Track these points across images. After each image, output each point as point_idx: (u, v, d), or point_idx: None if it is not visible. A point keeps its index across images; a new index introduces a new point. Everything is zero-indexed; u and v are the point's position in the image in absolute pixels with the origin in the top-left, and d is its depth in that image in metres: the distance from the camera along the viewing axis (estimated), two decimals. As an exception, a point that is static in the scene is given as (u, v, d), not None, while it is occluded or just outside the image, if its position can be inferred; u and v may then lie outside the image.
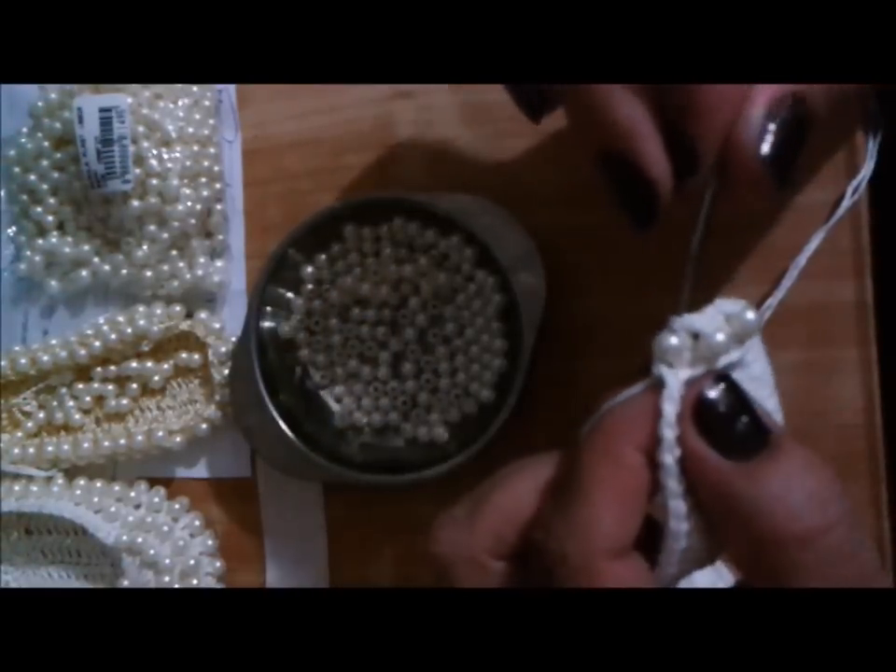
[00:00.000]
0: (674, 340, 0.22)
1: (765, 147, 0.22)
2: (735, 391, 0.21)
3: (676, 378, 0.21)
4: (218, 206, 0.40)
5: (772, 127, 0.23)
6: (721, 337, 0.22)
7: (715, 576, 0.29)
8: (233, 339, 0.39)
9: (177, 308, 0.40)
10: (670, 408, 0.21)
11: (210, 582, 0.39)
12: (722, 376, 0.21)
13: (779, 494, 0.20)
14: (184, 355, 0.40)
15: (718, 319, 0.22)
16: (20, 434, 0.42)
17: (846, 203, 0.31)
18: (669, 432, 0.21)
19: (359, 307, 0.38)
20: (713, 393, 0.21)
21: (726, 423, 0.21)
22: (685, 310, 0.23)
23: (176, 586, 0.38)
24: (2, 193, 0.43)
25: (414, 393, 0.37)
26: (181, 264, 0.40)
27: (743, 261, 0.33)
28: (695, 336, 0.22)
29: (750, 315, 0.22)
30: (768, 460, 0.20)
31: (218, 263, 0.41)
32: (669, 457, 0.21)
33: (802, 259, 0.32)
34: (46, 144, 0.41)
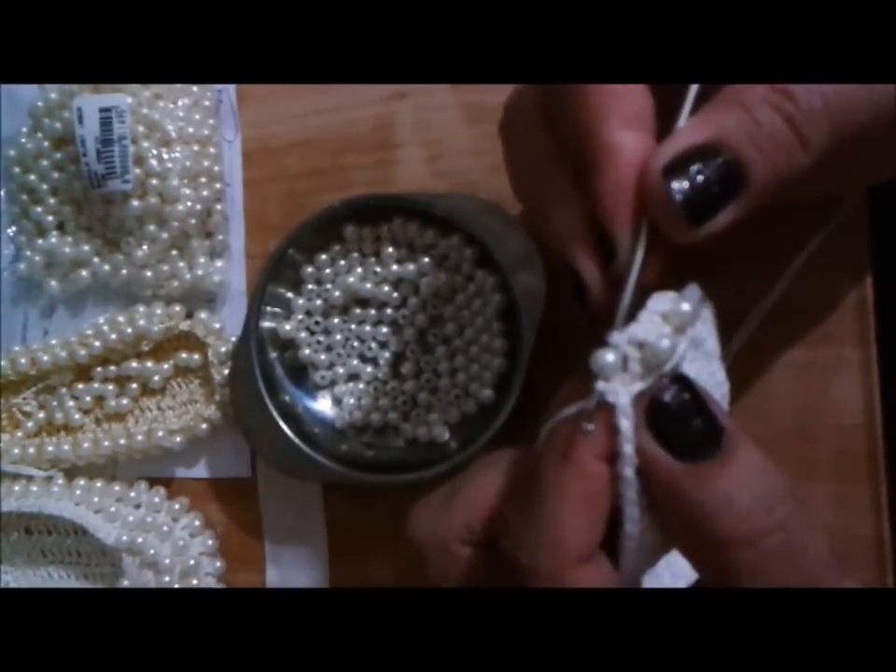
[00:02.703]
0: (610, 357, 0.22)
1: (674, 189, 0.22)
2: (688, 390, 0.22)
3: (627, 396, 0.22)
4: (218, 206, 0.40)
5: (683, 175, 0.23)
6: (665, 343, 0.22)
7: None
8: (233, 339, 0.39)
9: (177, 308, 0.40)
10: (626, 424, 0.21)
11: (210, 582, 0.39)
12: (676, 377, 0.22)
13: (727, 496, 0.20)
14: (184, 355, 0.40)
15: (656, 322, 0.22)
16: (20, 434, 0.42)
17: (846, 204, 0.31)
18: (628, 447, 0.21)
19: (359, 307, 0.38)
20: (667, 396, 0.21)
21: (679, 425, 0.21)
22: (621, 325, 0.23)
23: (176, 586, 0.38)
24: (2, 193, 0.43)
25: (414, 393, 0.37)
26: (181, 264, 0.40)
27: (743, 262, 0.33)
28: (640, 345, 0.22)
29: (685, 306, 0.22)
30: (719, 463, 0.21)
31: (218, 263, 0.41)
32: (629, 470, 0.21)
33: (801, 260, 0.32)
34: (46, 144, 0.41)
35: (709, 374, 0.24)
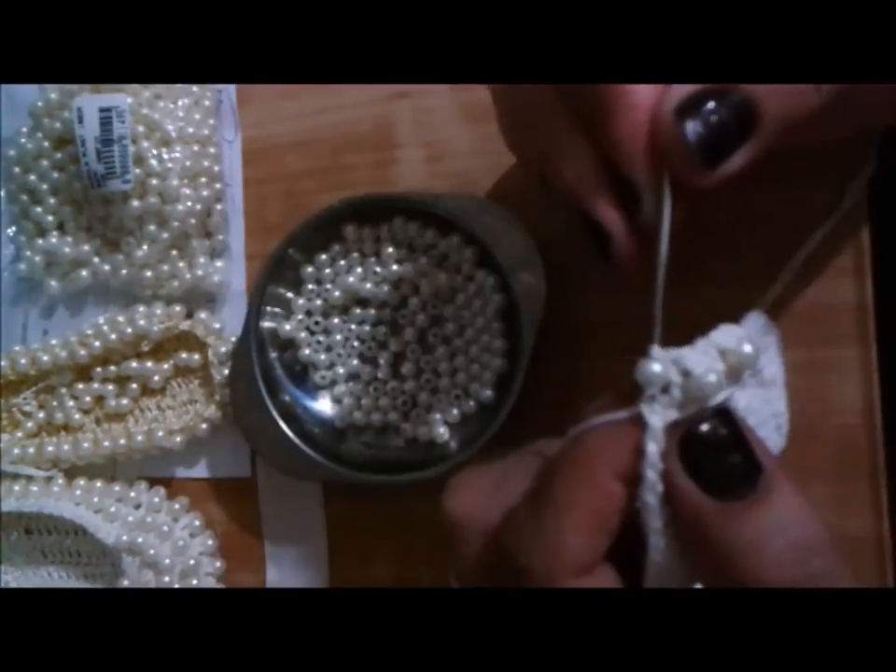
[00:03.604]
0: (656, 367, 0.21)
1: (688, 130, 0.22)
2: (728, 425, 0.21)
3: (660, 420, 0.21)
4: (218, 206, 0.40)
5: (696, 115, 0.22)
6: (712, 378, 0.21)
7: None
8: (233, 339, 0.39)
9: (177, 308, 0.40)
10: (653, 448, 0.21)
11: (210, 582, 0.39)
12: (718, 410, 0.21)
13: (757, 540, 0.20)
14: (184, 355, 0.40)
15: (711, 354, 0.21)
16: (20, 434, 0.42)
17: (846, 204, 0.31)
18: (652, 473, 0.21)
19: (359, 307, 0.38)
20: (704, 427, 0.21)
21: (714, 459, 0.20)
22: (659, 332, 0.22)
23: (176, 586, 0.38)
24: (2, 193, 0.43)
25: (414, 393, 0.37)
26: (181, 264, 0.40)
27: (743, 261, 0.33)
28: (686, 373, 0.21)
29: (748, 348, 0.21)
30: (753, 504, 0.20)
31: (218, 263, 0.41)
32: (652, 497, 0.21)
33: (800, 259, 0.32)
34: (46, 144, 0.41)
35: (765, 403, 0.23)
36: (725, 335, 0.22)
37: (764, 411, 0.23)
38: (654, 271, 0.23)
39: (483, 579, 0.25)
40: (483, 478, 0.25)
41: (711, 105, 0.22)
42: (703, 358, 0.21)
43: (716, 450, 0.20)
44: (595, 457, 0.22)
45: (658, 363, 0.21)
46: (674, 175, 0.23)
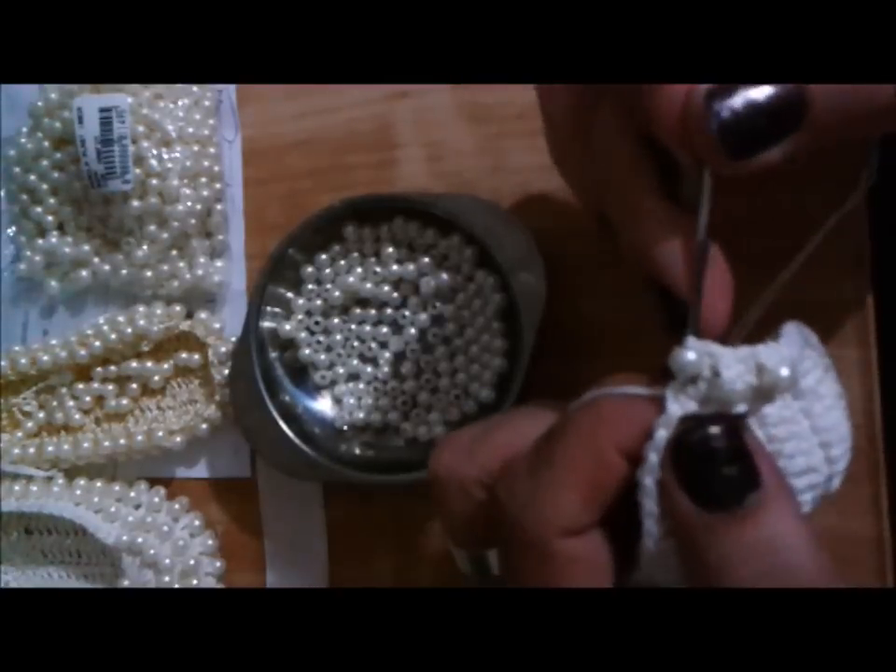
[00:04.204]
0: (691, 356, 0.21)
1: (714, 116, 0.20)
2: (730, 437, 0.20)
3: (679, 408, 0.21)
4: (218, 206, 0.40)
5: (727, 101, 0.20)
6: (738, 386, 0.20)
7: None
8: (233, 339, 0.39)
9: (177, 308, 0.40)
10: (663, 433, 0.21)
11: (210, 582, 0.39)
12: (720, 418, 0.20)
13: (735, 560, 0.19)
14: (184, 355, 0.40)
15: (748, 364, 0.21)
16: (20, 434, 0.42)
17: (847, 205, 0.31)
18: (654, 456, 0.21)
19: (359, 307, 0.38)
20: (697, 436, 0.20)
21: (704, 471, 0.20)
22: (696, 320, 0.22)
23: (176, 586, 0.38)
24: (2, 193, 0.43)
25: (414, 393, 0.37)
26: (181, 264, 0.40)
27: (744, 262, 0.33)
28: (715, 372, 0.20)
29: (785, 371, 0.20)
30: (738, 520, 0.19)
31: (218, 263, 0.41)
32: (649, 479, 0.21)
33: (800, 260, 0.32)
34: (46, 144, 0.41)
35: (803, 415, 0.22)
36: (769, 352, 0.21)
37: (801, 424, 0.22)
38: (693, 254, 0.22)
39: (472, 534, 0.25)
40: (464, 435, 0.25)
41: (748, 92, 0.20)
42: (737, 365, 0.21)
43: (706, 460, 0.20)
44: (602, 426, 0.21)
45: (694, 353, 0.21)
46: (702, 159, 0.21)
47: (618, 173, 0.24)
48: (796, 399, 0.22)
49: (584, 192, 0.28)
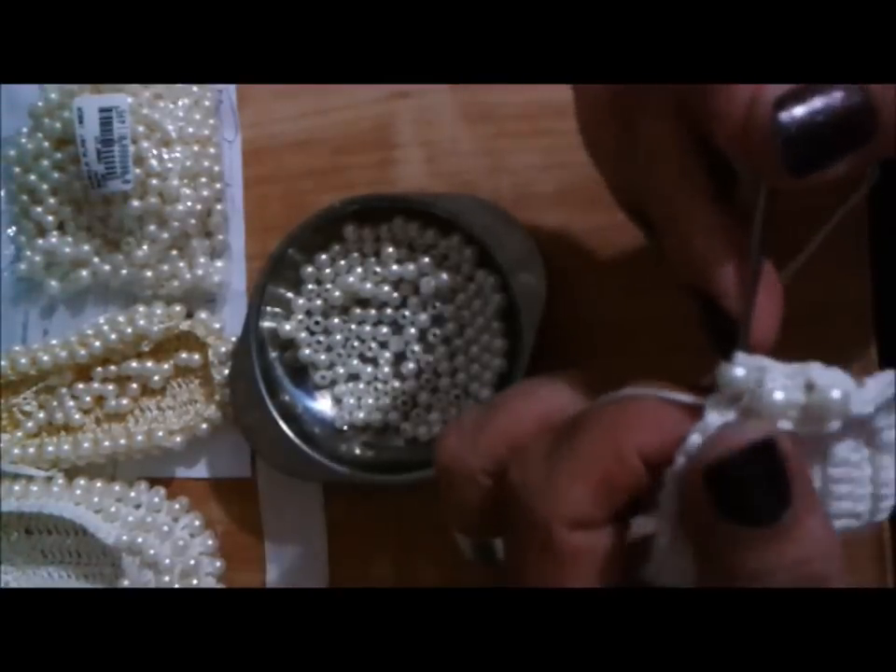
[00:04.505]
0: (740, 372, 0.20)
1: (781, 128, 0.19)
2: (767, 462, 0.19)
3: (718, 417, 0.20)
4: (218, 206, 0.40)
5: (795, 111, 0.19)
6: (779, 397, 0.19)
7: None
8: (233, 339, 0.39)
9: (177, 308, 0.40)
10: (696, 439, 0.20)
11: (210, 582, 0.39)
12: (760, 445, 0.19)
13: (765, 574, 0.19)
14: (184, 355, 0.40)
15: (795, 380, 0.20)
16: (20, 434, 0.42)
17: (847, 206, 0.31)
18: (682, 460, 0.20)
19: (359, 307, 0.38)
20: (735, 461, 0.19)
21: (739, 493, 0.19)
22: (747, 334, 0.21)
23: (176, 586, 0.38)
24: (2, 193, 0.43)
25: (414, 393, 0.37)
26: (181, 264, 0.40)
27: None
28: (759, 383, 0.20)
29: (836, 394, 0.19)
30: (770, 537, 0.19)
31: (218, 263, 0.41)
32: (672, 482, 0.20)
33: (800, 261, 0.31)
34: (46, 144, 0.41)
35: (869, 464, 0.21)
36: (822, 372, 0.20)
37: (863, 471, 0.21)
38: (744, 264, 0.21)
39: (478, 523, 0.24)
40: (465, 421, 0.24)
41: (818, 103, 0.19)
42: (784, 380, 0.20)
43: (745, 482, 0.19)
44: (628, 426, 0.21)
45: (743, 369, 0.20)
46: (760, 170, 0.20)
47: (665, 174, 0.23)
48: (868, 446, 0.21)
49: (621, 190, 0.27)
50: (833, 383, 0.20)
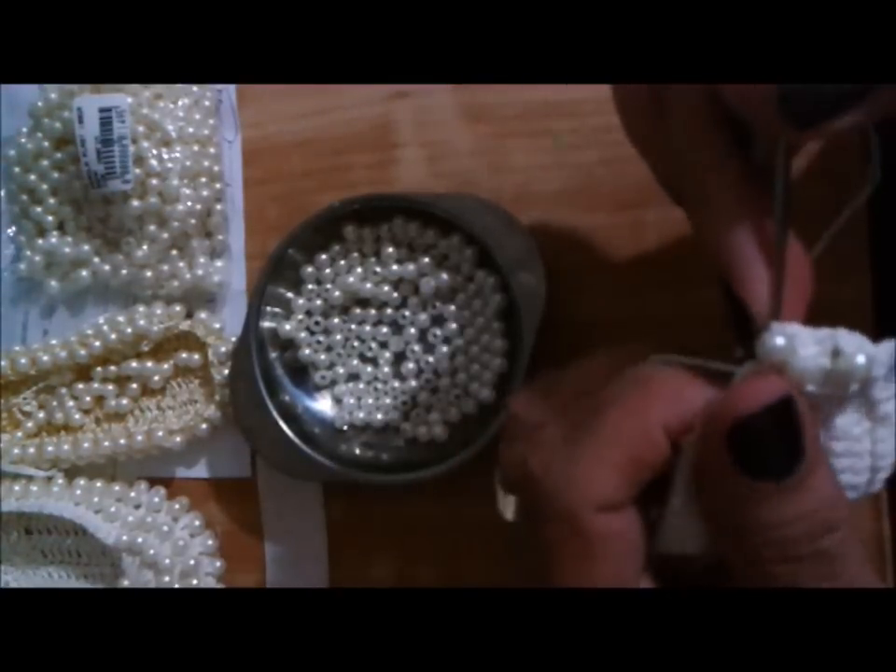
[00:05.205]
0: (780, 341, 0.20)
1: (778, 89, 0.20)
2: (784, 416, 0.20)
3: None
4: (218, 206, 0.40)
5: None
6: (811, 366, 0.20)
7: None
8: (233, 339, 0.39)
9: (177, 308, 0.40)
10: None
11: (210, 582, 0.39)
12: (780, 402, 0.20)
13: (782, 525, 0.19)
14: (184, 355, 0.40)
15: (824, 346, 0.20)
16: (20, 434, 0.42)
17: (854, 203, 0.31)
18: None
19: (359, 307, 0.38)
20: (756, 417, 0.20)
21: (758, 447, 0.20)
22: (778, 305, 0.21)
23: (176, 586, 0.38)
24: (2, 193, 0.43)
25: (414, 393, 0.37)
26: (181, 264, 0.40)
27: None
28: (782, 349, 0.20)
29: (861, 359, 0.20)
30: (786, 491, 0.19)
31: (218, 263, 0.41)
32: (690, 446, 0.20)
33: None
34: (46, 144, 0.41)
35: (867, 436, 0.22)
36: (849, 338, 0.20)
37: (862, 444, 0.22)
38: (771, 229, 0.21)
39: (515, 487, 0.24)
40: (542, 381, 0.25)
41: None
42: (814, 346, 0.20)
43: (762, 439, 0.20)
44: (652, 403, 0.21)
45: (783, 338, 0.20)
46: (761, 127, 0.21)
47: (692, 151, 0.24)
48: (868, 420, 0.21)
49: (664, 176, 0.27)
50: (859, 348, 0.20)
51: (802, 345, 0.20)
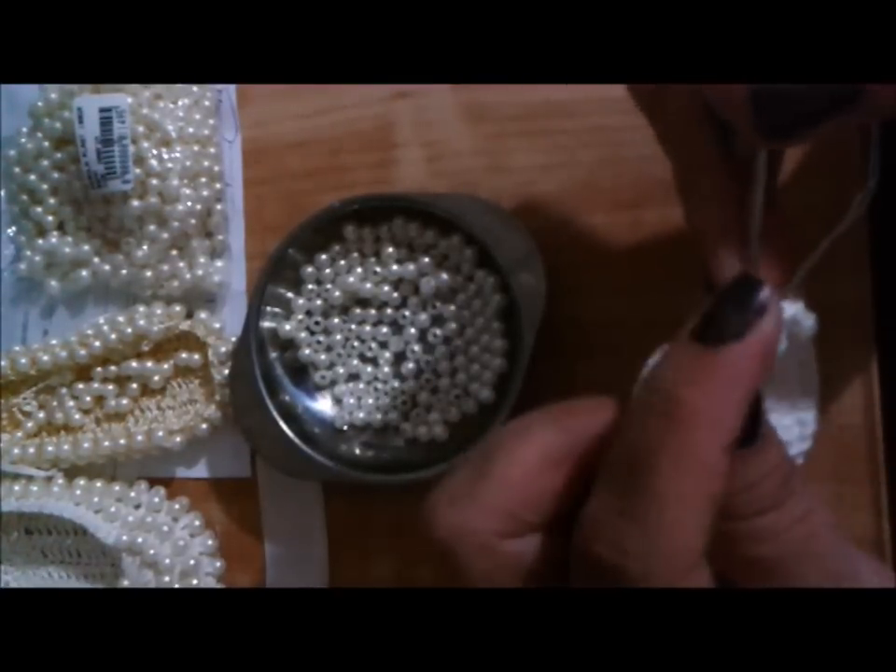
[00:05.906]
0: (789, 310, 0.22)
1: (753, 91, 0.19)
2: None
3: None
4: (218, 206, 0.40)
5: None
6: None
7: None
8: (233, 339, 0.39)
9: (177, 308, 0.40)
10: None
11: (210, 582, 0.39)
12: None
13: (760, 480, 0.20)
14: (184, 355, 0.40)
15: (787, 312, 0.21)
16: (20, 434, 0.42)
17: (856, 204, 0.31)
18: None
19: (359, 307, 0.38)
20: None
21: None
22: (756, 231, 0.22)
23: (176, 586, 0.38)
24: (2, 193, 0.43)
25: (414, 393, 0.37)
26: (181, 264, 0.40)
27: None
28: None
29: (809, 322, 0.21)
30: (756, 452, 0.20)
31: (218, 263, 0.41)
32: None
33: (805, 268, 0.31)
34: (46, 144, 0.41)
35: (799, 408, 0.23)
36: (789, 306, 0.22)
37: (792, 377, 0.23)
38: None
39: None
40: (453, 485, 0.21)
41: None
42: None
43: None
44: (698, 426, 0.18)
45: (794, 308, 0.22)
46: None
47: (679, 150, 0.24)
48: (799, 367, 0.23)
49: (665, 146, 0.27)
50: (799, 313, 0.23)
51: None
